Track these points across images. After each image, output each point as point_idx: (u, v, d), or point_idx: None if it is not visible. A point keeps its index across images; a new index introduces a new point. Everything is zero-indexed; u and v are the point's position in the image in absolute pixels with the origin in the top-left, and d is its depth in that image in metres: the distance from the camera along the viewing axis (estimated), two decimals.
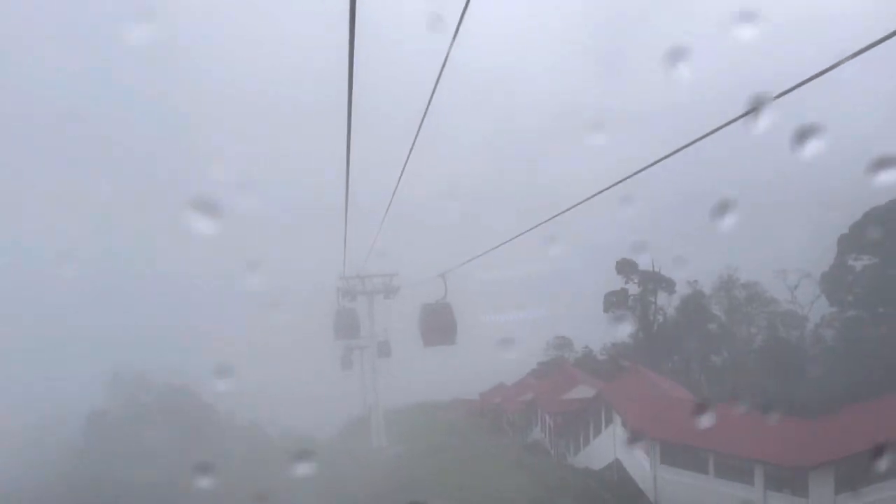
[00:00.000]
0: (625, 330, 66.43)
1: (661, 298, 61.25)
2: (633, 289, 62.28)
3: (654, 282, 60.72)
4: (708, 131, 6.56)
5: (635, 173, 7.77)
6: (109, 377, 65.06)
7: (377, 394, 48.27)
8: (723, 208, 8.06)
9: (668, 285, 60.82)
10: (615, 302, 63.83)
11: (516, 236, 12.28)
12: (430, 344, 20.76)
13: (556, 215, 10.43)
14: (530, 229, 11.58)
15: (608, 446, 36.58)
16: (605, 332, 72.19)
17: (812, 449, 27.44)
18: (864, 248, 40.67)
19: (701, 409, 30.66)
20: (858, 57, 5.16)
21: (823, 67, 5.39)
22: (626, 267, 61.21)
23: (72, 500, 41.87)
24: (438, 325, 20.68)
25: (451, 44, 5.62)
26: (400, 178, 9.80)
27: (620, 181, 8.10)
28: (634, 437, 31.80)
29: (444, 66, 6.14)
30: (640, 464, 32.39)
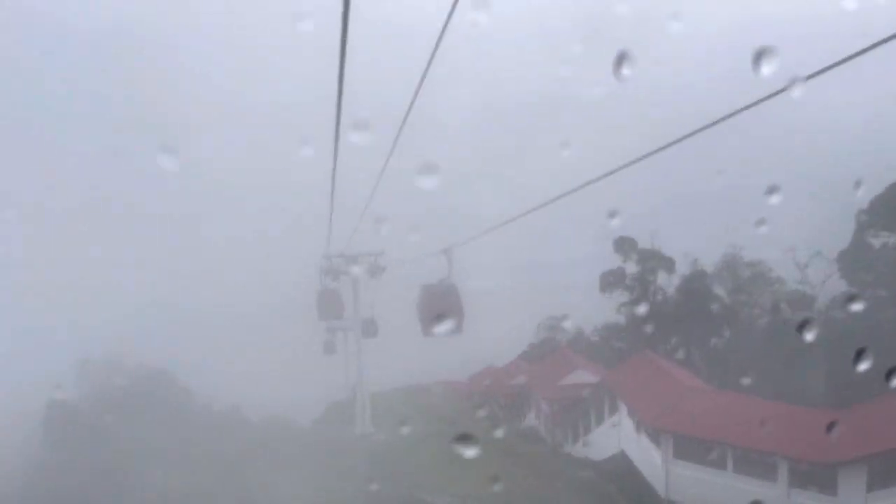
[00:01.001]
0: (624, 312, 63.99)
1: (661, 278, 58.67)
2: (632, 267, 59.62)
3: (654, 260, 57.95)
4: (736, 109, 6.19)
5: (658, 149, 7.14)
6: (78, 365, 61.68)
7: (362, 377, 45.34)
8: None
9: (668, 264, 58.10)
10: (612, 282, 61.10)
11: (514, 218, 11.70)
12: (432, 332, 17.22)
13: (556, 198, 9.71)
14: (527, 212, 10.93)
15: (612, 437, 33.93)
16: (601, 313, 69.79)
17: (841, 443, 24.80)
18: (885, 224, 37.99)
19: (718, 398, 27.98)
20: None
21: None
22: (624, 245, 58.32)
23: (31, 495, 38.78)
24: (442, 309, 17.03)
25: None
26: (391, 151, 8.94)
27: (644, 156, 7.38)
28: (643, 428, 29.06)
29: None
30: (648, 457, 29.68)
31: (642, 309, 56.46)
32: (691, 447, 27.12)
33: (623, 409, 32.37)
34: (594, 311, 76.42)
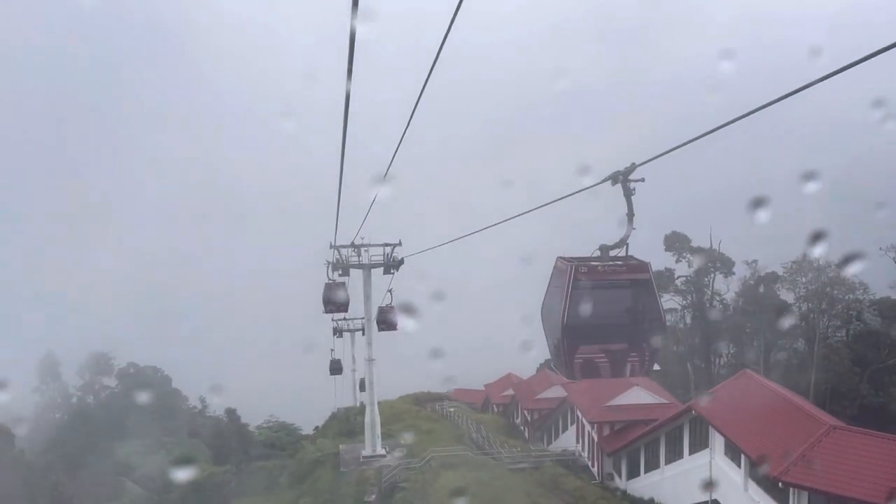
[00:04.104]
0: (670, 318, 56.10)
1: (718, 281, 50.72)
2: (683, 268, 51.72)
3: (711, 260, 49.95)
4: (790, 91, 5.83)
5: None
6: (41, 358, 54.55)
7: (372, 389, 37.72)
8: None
9: (727, 266, 50.17)
10: (659, 284, 53.16)
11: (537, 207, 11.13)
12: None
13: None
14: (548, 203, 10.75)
15: (695, 478, 26.05)
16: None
17: None
18: None
19: (872, 442, 20.09)
20: None
21: None
22: (676, 242, 50.38)
23: None
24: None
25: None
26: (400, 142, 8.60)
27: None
28: (760, 478, 21.17)
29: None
30: None
31: (697, 315, 48.48)
32: None
33: (718, 445, 24.48)
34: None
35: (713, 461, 24.87)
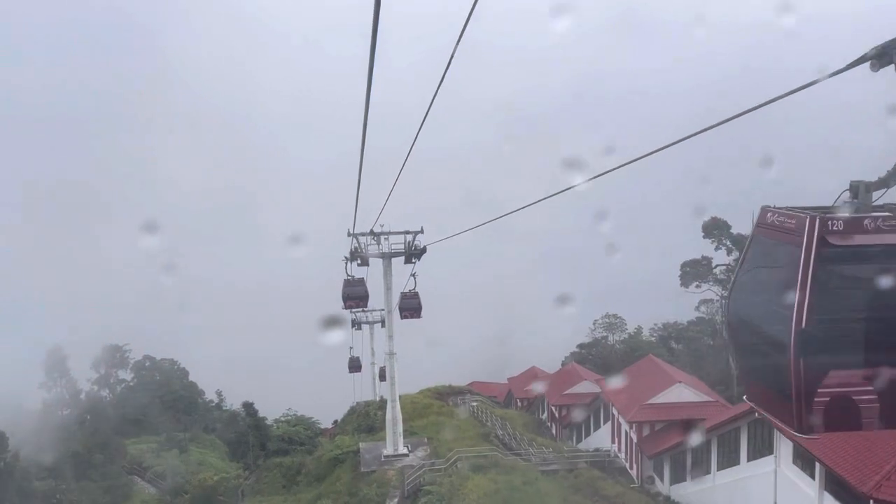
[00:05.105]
0: (705, 311, 53.16)
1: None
2: (722, 256, 48.67)
3: None
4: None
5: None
6: (48, 352, 53.00)
7: (394, 384, 35.50)
8: None
9: None
10: (696, 273, 50.32)
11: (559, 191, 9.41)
12: None
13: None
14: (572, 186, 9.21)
15: (753, 488, 23.41)
16: (663, 310, 59.03)
17: None
18: None
19: None
20: None
21: None
22: (716, 228, 47.33)
23: None
24: None
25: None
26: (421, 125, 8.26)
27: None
28: (845, 491, 18.45)
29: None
30: None
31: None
32: None
33: (786, 451, 21.78)
34: (656, 307, 65.82)
35: (779, 469, 22.17)
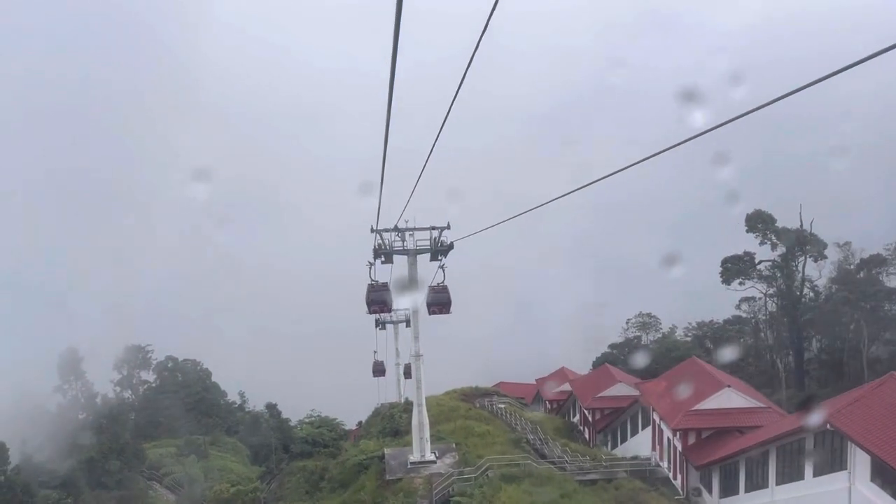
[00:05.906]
0: (746, 309, 50.31)
1: (808, 266, 44.57)
2: (766, 252, 45.80)
3: (800, 242, 43.95)
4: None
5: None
6: (62, 353, 52.02)
7: (419, 384, 33.66)
8: None
9: (818, 248, 44.12)
10: (737, 269, 47.57)
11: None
12: None
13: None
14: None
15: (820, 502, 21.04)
16: (699, 308, 56.29)
17: None
18: None
19: None
20: None
21: None
22: (759, 222, 44.55)
23: None
24: None
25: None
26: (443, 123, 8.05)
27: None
28: None
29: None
30: None
31: (786, 304, 42.34)
32: None
33: (862, 467, 19.39)
34: (689, 305, 63.07)
35: (853, 487, 19.76)
